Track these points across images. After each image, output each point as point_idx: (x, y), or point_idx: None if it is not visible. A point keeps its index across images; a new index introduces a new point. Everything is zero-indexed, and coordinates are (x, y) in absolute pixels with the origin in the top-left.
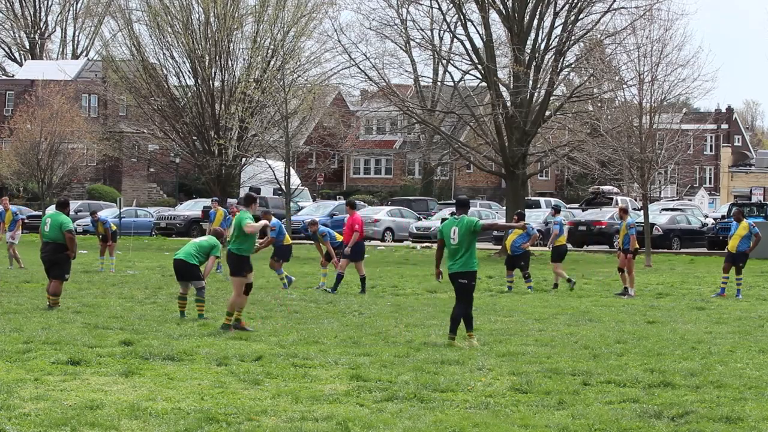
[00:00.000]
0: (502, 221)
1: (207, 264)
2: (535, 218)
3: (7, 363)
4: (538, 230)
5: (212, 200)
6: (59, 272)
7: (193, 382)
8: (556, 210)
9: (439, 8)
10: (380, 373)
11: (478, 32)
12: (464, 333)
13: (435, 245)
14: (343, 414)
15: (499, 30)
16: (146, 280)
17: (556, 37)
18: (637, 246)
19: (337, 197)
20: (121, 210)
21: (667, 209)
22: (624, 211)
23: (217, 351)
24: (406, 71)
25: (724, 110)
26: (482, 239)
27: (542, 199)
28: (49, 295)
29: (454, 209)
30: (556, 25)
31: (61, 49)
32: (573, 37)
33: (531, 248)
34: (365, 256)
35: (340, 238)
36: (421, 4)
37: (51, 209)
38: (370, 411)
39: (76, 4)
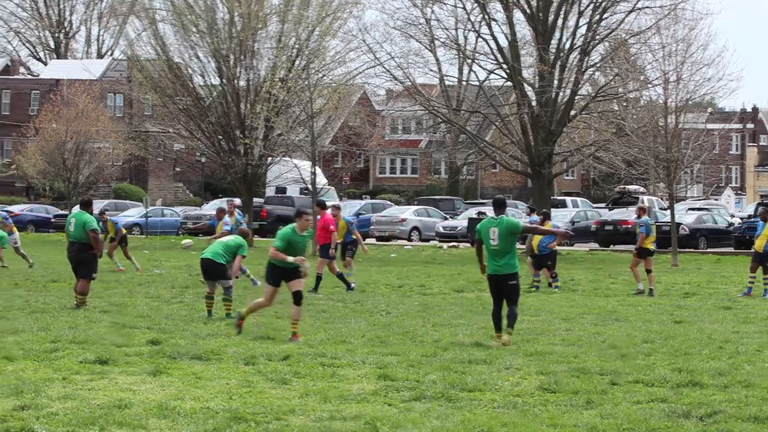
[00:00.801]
0: (543, 227)
1: (234, 263)
2: (561, 218)
3: (34, 362)
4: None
5: (227, 201)
6: (86, 271)
7: (221, 381)
8: (532, 210)
9: (464, 8)
10: (408, 372)
11: (503, 32)
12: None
13: (461, 245)
14: (371, 413)
15: (523, 29)
16: (173, 280)
17: (580, 37)
18: (647, 246)
19: (363, 197)
20: (148, 209)
21: (693, 209)
22: (641, 210)
23: (244, 350)
24: (431, 71)
25: (749, 110)
26: None
27: (568, 199)
28: (76, 294)
29: (480, 208)
30: (580, 24)
31: (85, 49)
32: (598, 37)
33: (557, 248)
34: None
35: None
36: (445, 4)
37: (76, 209)
38: (398, 410)
39: (101, 3)
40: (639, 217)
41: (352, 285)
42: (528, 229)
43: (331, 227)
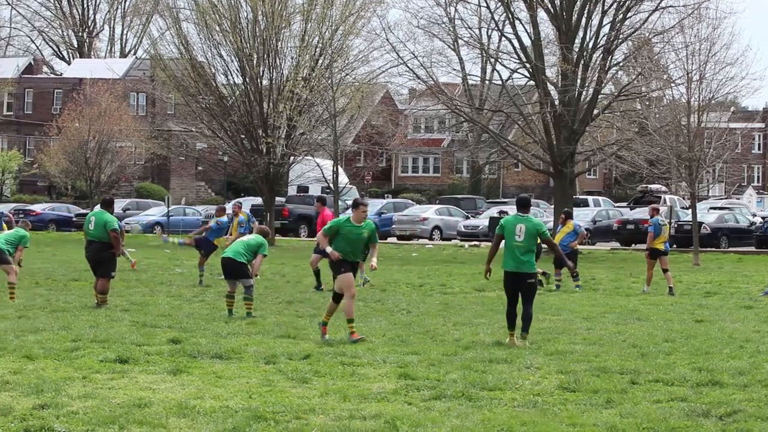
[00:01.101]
0: (558, 248)
1: (255, 262)
2: (583, 217)
3: (55, 361)
4: (586, 228)
5: (234, 203)
6: (105, 271)
7: (241, 380)
8: None
9: (487, 7)
10: (428, 371)
11: (526, 31)
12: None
13: (483, 244)
14: (391, 412)
15: (547, 28)
16: (194, 278)
17: (604, 36)
18: (657, 246)
19: (385, 196)
20: (169, 208)
21: (715, 208)
22: (654, 210)
23: (265, 349)
24: (454, 70)
25: None
26: None
27: (590, 198)
28: (96, 294)
29: (501, 207)
30: (604, 23)
31: (109, 48)
32: (621, 36)
33: (578, 247)
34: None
35: None
36: (469, 3)
37: (97, 207)
38: (418, 409)
39: (125, 2)
40: (651, 216)
41: (322, 286)
42: (547, 240)
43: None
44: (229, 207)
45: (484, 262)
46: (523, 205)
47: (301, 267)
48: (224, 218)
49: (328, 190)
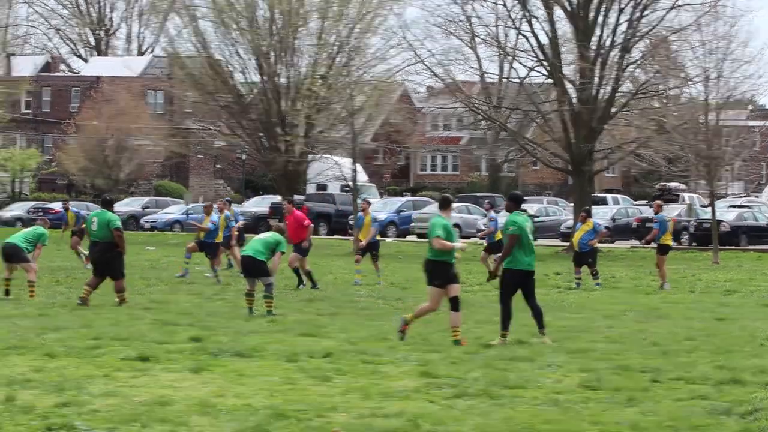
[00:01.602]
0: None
1: (274, 260)
2: (602, 215)
3: (76, 359)
4: (606, 227)
5: (220, 200)
6: (115, 272)
7: (263, 378)
8: (491, 205)
9: (504, 5)
10: (450, 369)
11: (543, 29)
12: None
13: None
14: (413, 410)
15: (564, 26)
16: (213, 277)
17: (621, 34)
18: (666, 242)
19: (404, 194)
20: (188, 206)
21: (734, 206)
22: (659, 206)
23: (286, 347)
24: (472, 68)
25: None
26: (549, 236)
27: (609, 196)
28: (92, 287)
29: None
30: (621, 21)
31: (126, 46)
32: (638, 34)
33: (598, 245)
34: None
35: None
36: (486, 1)
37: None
38: (440, 407)
39: (141, 0)
40: (656, 212)
41: (318, 285)
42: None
43: (305, 222)
44: (253, 202)
45: (498, 262)
46: (518, 202)
47: (320, 264)
48: (215, 216)
49: (347, 188)
